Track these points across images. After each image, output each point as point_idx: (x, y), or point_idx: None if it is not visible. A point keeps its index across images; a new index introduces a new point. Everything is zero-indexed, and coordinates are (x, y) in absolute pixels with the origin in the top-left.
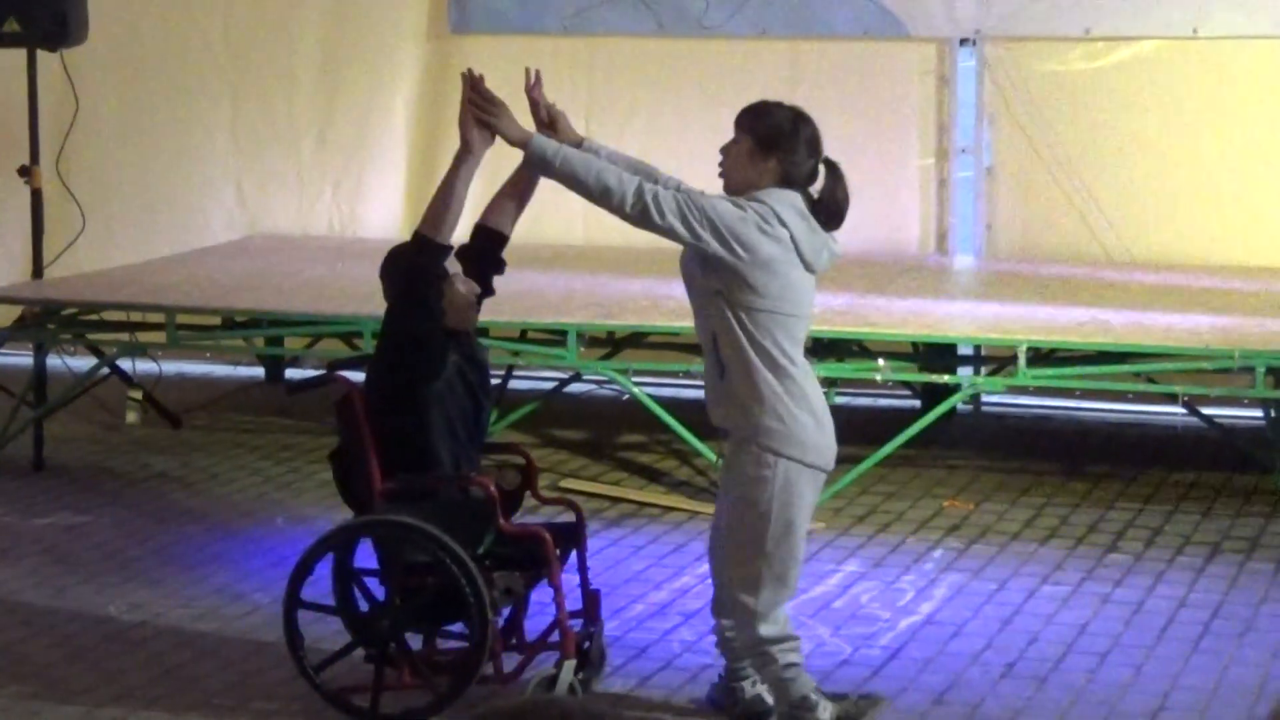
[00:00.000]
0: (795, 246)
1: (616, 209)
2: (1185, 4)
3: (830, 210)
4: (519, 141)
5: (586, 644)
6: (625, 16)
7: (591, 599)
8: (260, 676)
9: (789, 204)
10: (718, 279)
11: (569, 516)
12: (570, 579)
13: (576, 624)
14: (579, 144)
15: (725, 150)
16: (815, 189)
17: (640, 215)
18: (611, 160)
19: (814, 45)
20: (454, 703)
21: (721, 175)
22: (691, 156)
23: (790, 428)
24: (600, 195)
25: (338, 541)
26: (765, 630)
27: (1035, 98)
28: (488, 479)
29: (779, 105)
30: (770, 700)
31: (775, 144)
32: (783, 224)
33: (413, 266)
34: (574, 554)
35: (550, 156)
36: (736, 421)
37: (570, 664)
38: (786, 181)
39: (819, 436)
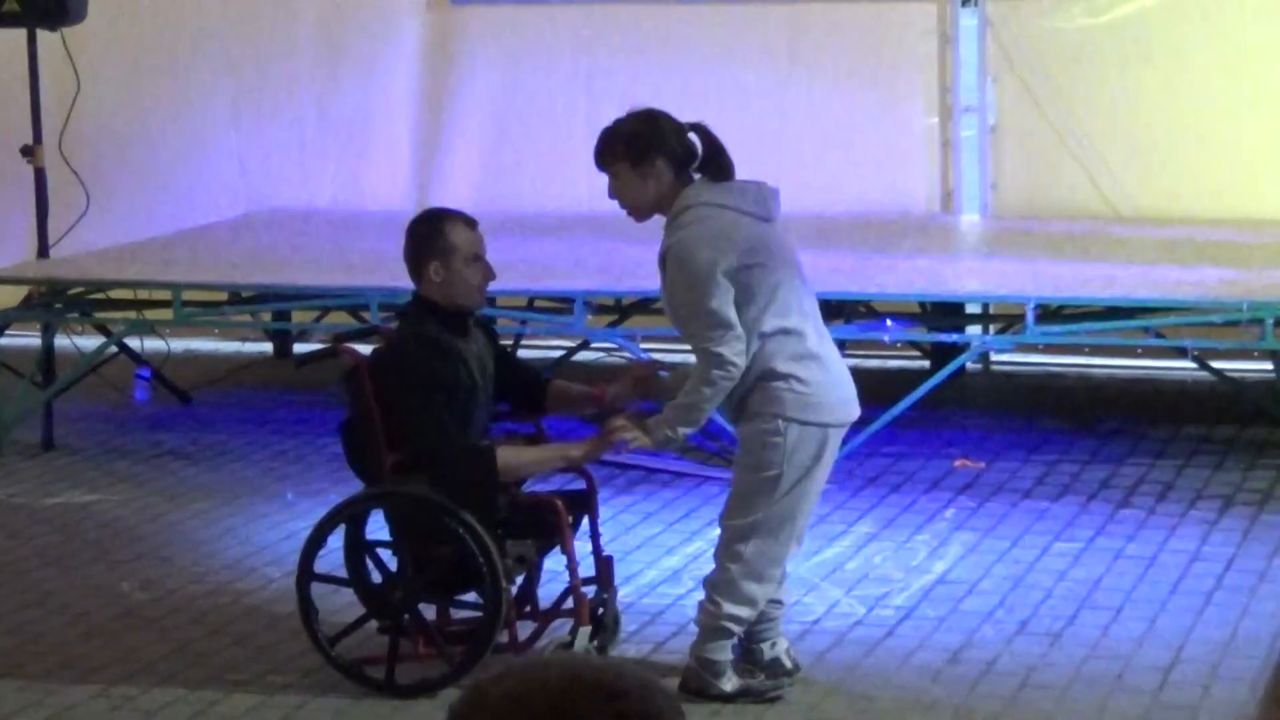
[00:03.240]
0: (739, 208)
1: (730, 387)
2: None
3: (720, 165)
4: (660, 446)
5: (600, 610)
6: None
7: (604, 565)
8: (274, 650)
9: (702, 199)
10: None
11: (581, 484)
12: (583, 546)
13: (589, 590)
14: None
15: (613, 192)
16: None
17: (734, 375)
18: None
19: (815, 8)
20: (470, 672)
21: (630, 213)
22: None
23: (801, 392)
24: (719, 397)
25: (350, 513)
26: (747, 588)
27: (1038, 55)
28: (499, 450)
29: (619, 120)
30: (789, 663)
31: (645, 148)
32: (721, 207)
33: (461, 467)
34: (586, 521)
35: (681, 434)
36: (755, 403)
37: (585, 630)
38: (679, 168)
39: (832, 393)
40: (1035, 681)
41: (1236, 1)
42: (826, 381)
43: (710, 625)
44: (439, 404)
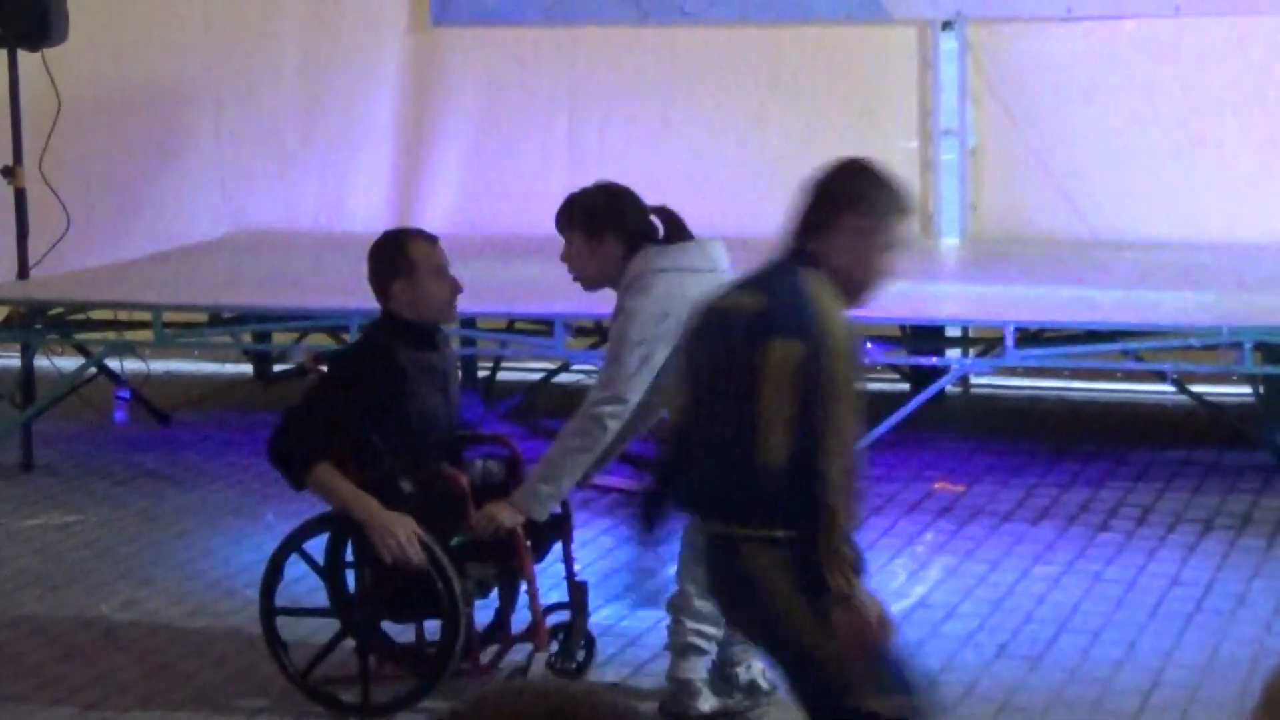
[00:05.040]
0: (687, 267)
1: (600, 446)
2: None
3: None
4: (537, 515)
5: (563, 634)
6: (607, 5)
7: (578, 590)
8: (253, 672)
9: (651, 267)
10: None
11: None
12: (560, 570)
13: (562, 615)
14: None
15: (565, 257)
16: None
17: (607, 432)
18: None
19: (795, 31)
20: (428, 695)
21: (577, 280)
22: (674, 145)
23: None
24: (592, 459)
25: (301, 540)
26: (699, 605)
27: (1018, 79)
28: (459, 474)
29: (585, 190)
30: (765, 685)
31: (602, 223)
32: (666, 271)
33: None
34: (562, 544)
35: (549, 501)
36: None
37: (541, 656)
38: (631, 248)
39: None
40: (1015, 704)
41: (1213, 27)
42: None
43: (679, 644)
44: (325, 395)
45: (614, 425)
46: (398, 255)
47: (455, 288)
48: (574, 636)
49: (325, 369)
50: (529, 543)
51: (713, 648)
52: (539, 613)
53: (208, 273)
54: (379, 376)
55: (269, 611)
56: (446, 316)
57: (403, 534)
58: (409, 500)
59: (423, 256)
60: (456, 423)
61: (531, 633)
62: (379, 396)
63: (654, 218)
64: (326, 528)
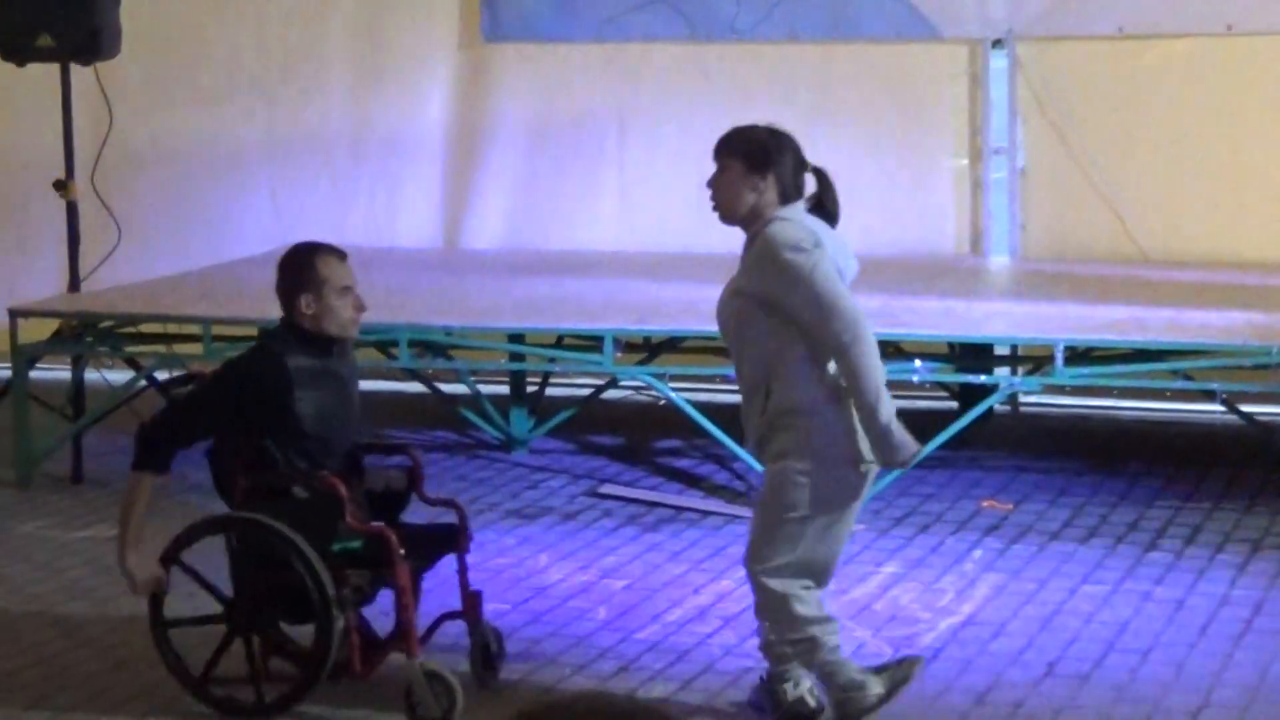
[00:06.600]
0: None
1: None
2: (1218, 1)
3: (828, 214)
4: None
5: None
6: (657, 23)
7: (471, 599)
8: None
9: (812, 224)
10: (782, 318)
11: (451, 518)
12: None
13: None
14: None
15: (713, 182)
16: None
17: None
18: None
19: (845, 48)
20: (302, 698)
21: (717, 208)
22: None
23: (831, 430)
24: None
25: (187, 543)
26: (802, 610)
27: (1068, 97)
28: (336, 479)
29: (754, 126)
30: (813, 703)
31: (765, 161)
32: (819, 245)
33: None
34: (457, 555)
35: (895, 434)
36: (782, 442)
37: (414, 663)
38: (784, 196)
39: (858, 431)
40: None
41: (1265, 46)
42: (854, 420)
43: (823, 662)
44: (204, 398)
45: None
46: (306, 270)
47: (359, 306)
48: (475, 645)
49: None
50: (402, 551)
51: (835, 640)
52: (409, 621)
53: (257, 286)
54: (267, 382)
55: (159, 623)
56: (349, 332)
57: (138, 585)
58: (299, 506)
59: (332, 274)
60: (354, 430)
61: (402, 640)
62: (267, 402)
63: (811, 174)
64: (215, 531)
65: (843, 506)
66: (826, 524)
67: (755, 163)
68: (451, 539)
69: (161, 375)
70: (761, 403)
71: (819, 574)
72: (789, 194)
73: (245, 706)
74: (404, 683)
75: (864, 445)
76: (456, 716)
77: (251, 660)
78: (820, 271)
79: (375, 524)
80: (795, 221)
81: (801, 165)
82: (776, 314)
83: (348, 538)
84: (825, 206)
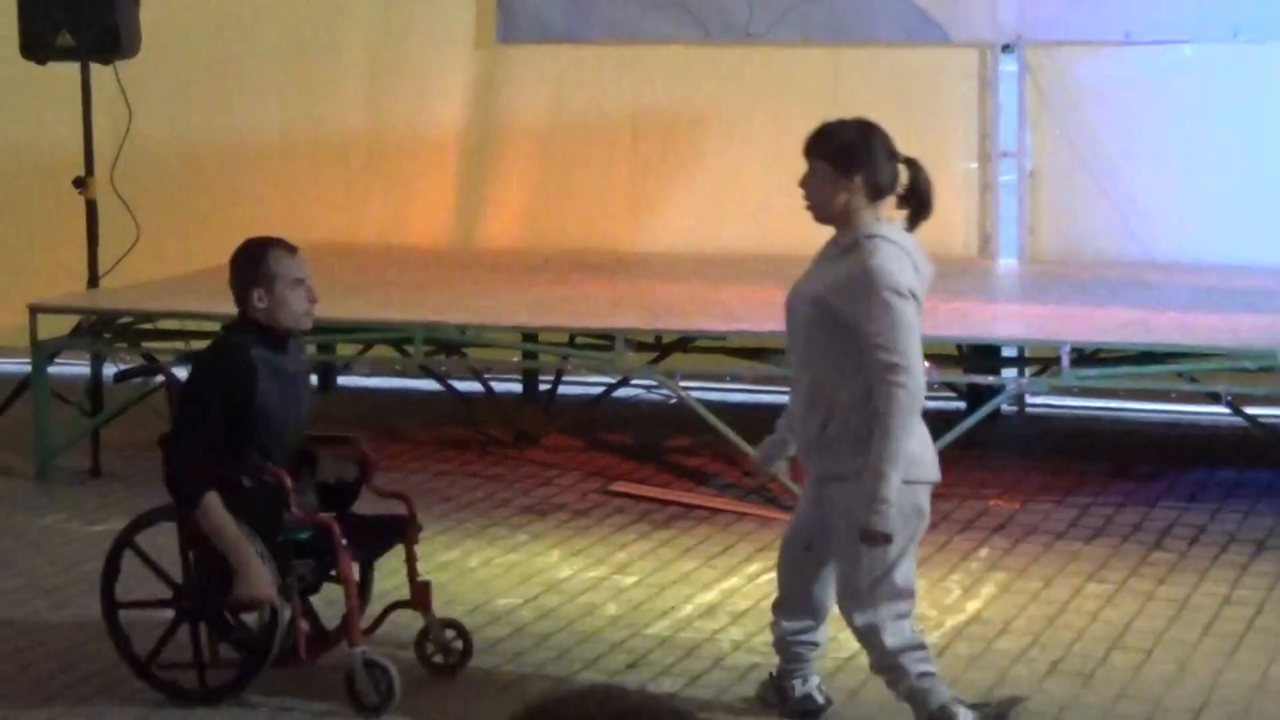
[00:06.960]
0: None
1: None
2: (1225, 7)
3: (920, 203)
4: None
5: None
6: (671, 24)
7: (420, 590)
8: (321, 675)
9: (903, 250)
10: (857, 344)
11: (400, 509)
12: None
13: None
14: None
15: (804, 182)
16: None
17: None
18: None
19: (856, 51)
20: (247, 684)
21: (810, 208)
22: (736, 163)
23: (908, 450)
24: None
25: (137, 532)
26: (892, 641)
27: (1076, 102)
28: (281, 469)
29: (843, 123)
30: (820, 699)
31: (854, 161)
32: (914, 289)
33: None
34: (405, 546)
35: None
36: (846, 463)
37: (354, 651)
38: (876, 193)
39: (928, 450)
40: None
41: (1272, 52)
42: (924, 437)
43: (912, 689)
44: (198, 412)
45: (914, 415)
46: (257, 265)
47: (312, 298)
48: (428, 635)
49: (184, 379)
50: (344, 541)
51: (933, 670)
52: (354, 609)
53: None
54: (233, 374)
55: (110, 606)
56: (303, 325)
57: (263, 596)
58: (246, 495)
59: (283, 268)
60: (305, 423)
61: (344, 630)
62: (233, 393)
63: (902, 166)
64: (162, 519)
65: (918, 526)
66: (906, 545)
67: (843, 165)
68: (400, 530)
69: (180, 372)
70: (822, 418)
71: (906, 591)
72: (882, 189)
73: (190, 692)
74: (345, 670)
75: (930, 465)
76: (394, 705)
77: (197, 646)
78: (909, 324)
79: (320, 515)
80: (899, 247)
81: (893, 158)
82: (855, 339)
83: (295, 528)
84: (917, 198)
